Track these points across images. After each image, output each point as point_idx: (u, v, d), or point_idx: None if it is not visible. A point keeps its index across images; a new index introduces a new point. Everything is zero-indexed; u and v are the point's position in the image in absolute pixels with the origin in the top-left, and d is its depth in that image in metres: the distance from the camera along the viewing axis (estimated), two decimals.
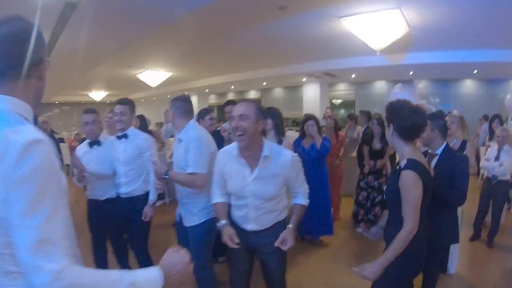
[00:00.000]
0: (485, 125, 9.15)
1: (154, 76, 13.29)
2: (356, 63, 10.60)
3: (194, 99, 21.20)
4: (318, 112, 13.22)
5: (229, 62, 11.97)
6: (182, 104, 2.95)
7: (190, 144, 2.77)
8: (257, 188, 2.38)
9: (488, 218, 5.19)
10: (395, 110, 2.24)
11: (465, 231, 5.19)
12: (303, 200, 2.56)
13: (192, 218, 2.96)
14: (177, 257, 1.24)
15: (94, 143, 3.51)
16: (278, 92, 18.59)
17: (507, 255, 4.62)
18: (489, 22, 6.43)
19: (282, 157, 2.40)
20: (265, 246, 2.48)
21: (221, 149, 2.63)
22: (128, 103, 3.46)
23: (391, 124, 2.23)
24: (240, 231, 2.48)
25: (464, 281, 4.03)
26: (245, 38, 8.41)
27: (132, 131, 3.44)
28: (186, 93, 20.60)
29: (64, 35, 7.23)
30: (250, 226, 2.49)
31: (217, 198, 2.59)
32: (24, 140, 0.97)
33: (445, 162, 2.83)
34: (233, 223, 2.54)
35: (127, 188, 3.40)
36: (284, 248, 2.33)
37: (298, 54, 10.42)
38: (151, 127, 9.30)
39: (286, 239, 2.34)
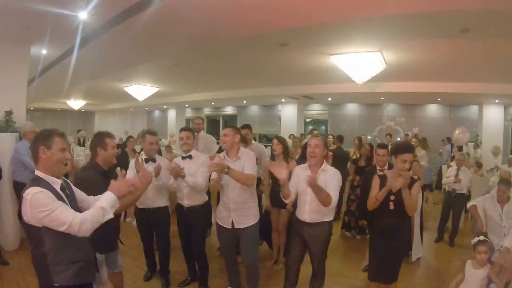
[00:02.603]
0: (448, 147, 10.48)
1: (141, 90, 13.55)
2: (333, 89, 11.70)
3: (172, 113, 21.50)
4: (295, 130, 14.33)
5: (215, 81, 12.52)
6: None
7: (247, 158, 3.82)
8: None
9: (449, 224, 6.46)
10: None
11: (431, 234, 6.46)
12: None
13: (250, 220, 3.90)
14: (120, 180, 2.36)
15: (150, 160, 4.31)
16: (254, 109, 19.42)
17: (465, 251, 5.85)
18: (453, 61, 7.64)
19: (329, 173, 3.51)
20: (313, 237, 3.56)
21: (297, 166, 3.84)
22: (190, 129, 4.30)
23: None
24: (298, 222, 3.61)
25: (432, 268, 5.32)
26: (239, 63, 9.14)
27: (195, 153, 4.25)
28: (165, 106, 21.15)
29: (80, 50, 7.35)
30: (304, 217, 3.54)
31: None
32: None
33: None
34: (295, 218, 3.68)
35: (189, 200, 4.18)
36: None
37: (283, 79, 11.27)
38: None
39: None
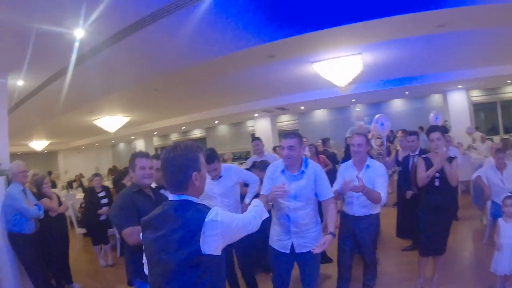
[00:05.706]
0: (422, 135, 11.13)
1: (112, 121, 12.98)
2: (308, 97, 12.20)
3: (140, 143, 21.19)
4: (271, 143, 14.14)
5: (191, 103, 12.41)
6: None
7: (319, 175, 3.15)
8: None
9: None
10: None
11: None
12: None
13: (315, 242, 2.99)
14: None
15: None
16: (223, 128, 19.45)
17: (469, 222, 6.50)
18: (424, 55, 8.30)
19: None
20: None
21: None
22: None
23: None
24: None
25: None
26: (221, 80, 9.10)
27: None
28: (132, 137, 20.78)
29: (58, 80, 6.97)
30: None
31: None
32: None
33: None
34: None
35: None
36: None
37: (259, 93, 11.53)
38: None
39: None
